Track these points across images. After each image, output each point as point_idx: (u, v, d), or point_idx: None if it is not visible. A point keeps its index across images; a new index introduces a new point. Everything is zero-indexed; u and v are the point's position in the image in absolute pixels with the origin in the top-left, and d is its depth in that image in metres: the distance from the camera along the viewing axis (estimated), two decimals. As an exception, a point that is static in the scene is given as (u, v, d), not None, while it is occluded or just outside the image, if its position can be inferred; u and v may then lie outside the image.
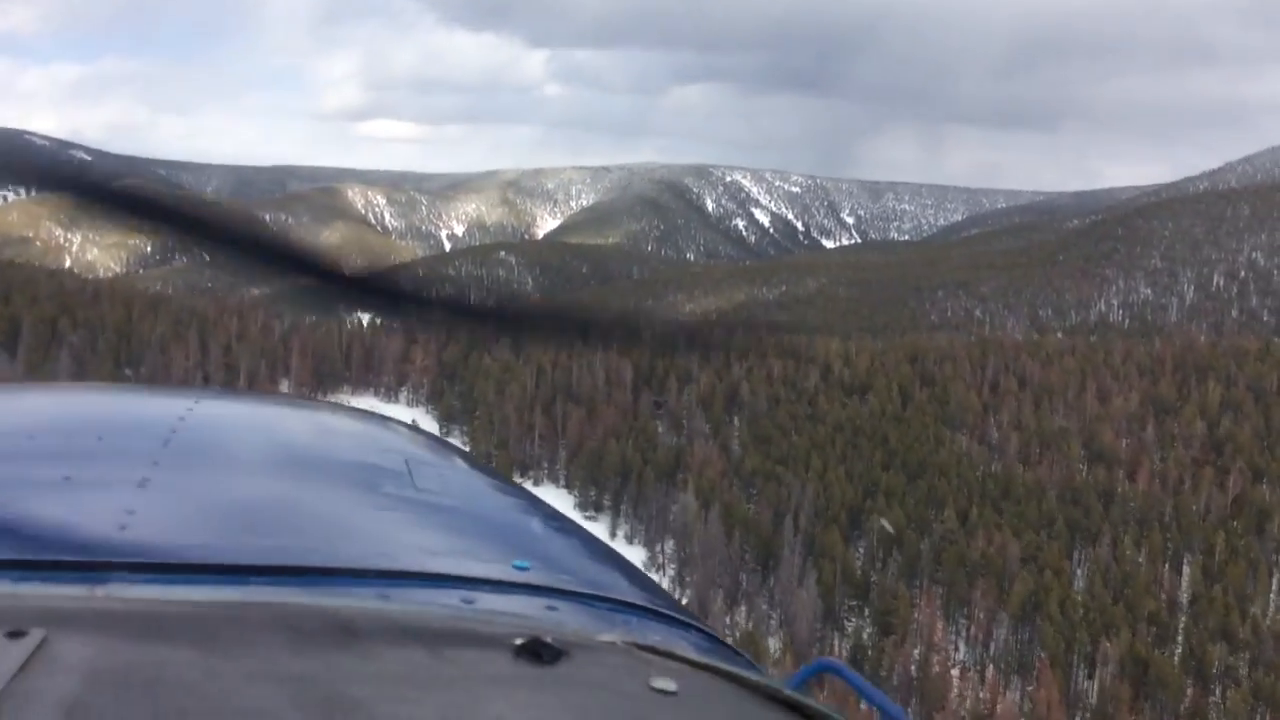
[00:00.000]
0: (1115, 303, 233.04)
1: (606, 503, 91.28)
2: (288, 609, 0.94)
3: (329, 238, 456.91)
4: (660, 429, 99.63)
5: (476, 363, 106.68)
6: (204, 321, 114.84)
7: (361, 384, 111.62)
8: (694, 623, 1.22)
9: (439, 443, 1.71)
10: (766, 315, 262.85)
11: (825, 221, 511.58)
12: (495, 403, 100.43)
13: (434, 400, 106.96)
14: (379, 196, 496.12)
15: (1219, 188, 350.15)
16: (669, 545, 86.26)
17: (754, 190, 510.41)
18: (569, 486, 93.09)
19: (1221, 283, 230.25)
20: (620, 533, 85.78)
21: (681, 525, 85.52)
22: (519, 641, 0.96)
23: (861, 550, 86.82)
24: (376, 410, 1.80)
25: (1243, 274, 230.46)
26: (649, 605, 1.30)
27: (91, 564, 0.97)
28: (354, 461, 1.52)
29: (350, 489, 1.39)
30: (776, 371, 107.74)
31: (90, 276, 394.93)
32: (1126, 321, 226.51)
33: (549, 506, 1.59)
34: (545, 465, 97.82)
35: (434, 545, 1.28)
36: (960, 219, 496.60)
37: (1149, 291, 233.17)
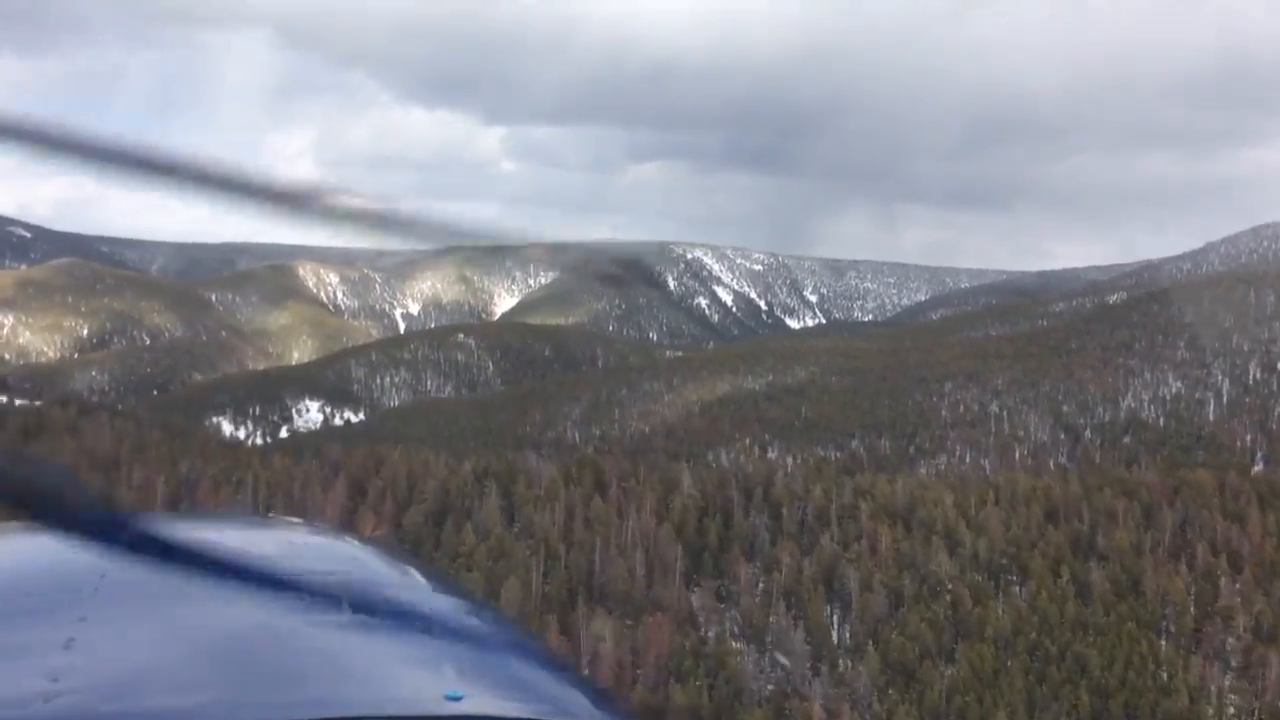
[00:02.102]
0: (1145, 398, 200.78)
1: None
2: None
3: (279, 319, 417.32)
4: (737, 646, 62.68)
5: (453, 537, 69.47)
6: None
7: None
8: None
9: (381, 555, 1.57)
10: (755, 408, 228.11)
11: (788, 300, 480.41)
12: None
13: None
14: (331, 275, 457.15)
15: (1202, 269, 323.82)
16: None
17: (715, 268, 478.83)
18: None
19: (1259, 375, 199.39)
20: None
21: None
22: None
23: None
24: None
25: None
26: None
27: None
28: (289, 590, 1.34)
29: (285, 623, 1.26)
30: (884, 543, 71.63)
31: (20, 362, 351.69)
32: (1161, 420, 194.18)
33: (495, 616, 1.50)
34: None
35: (366, 680, 1.15)
36: (924, 298, 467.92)
37: (1179, 385, 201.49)
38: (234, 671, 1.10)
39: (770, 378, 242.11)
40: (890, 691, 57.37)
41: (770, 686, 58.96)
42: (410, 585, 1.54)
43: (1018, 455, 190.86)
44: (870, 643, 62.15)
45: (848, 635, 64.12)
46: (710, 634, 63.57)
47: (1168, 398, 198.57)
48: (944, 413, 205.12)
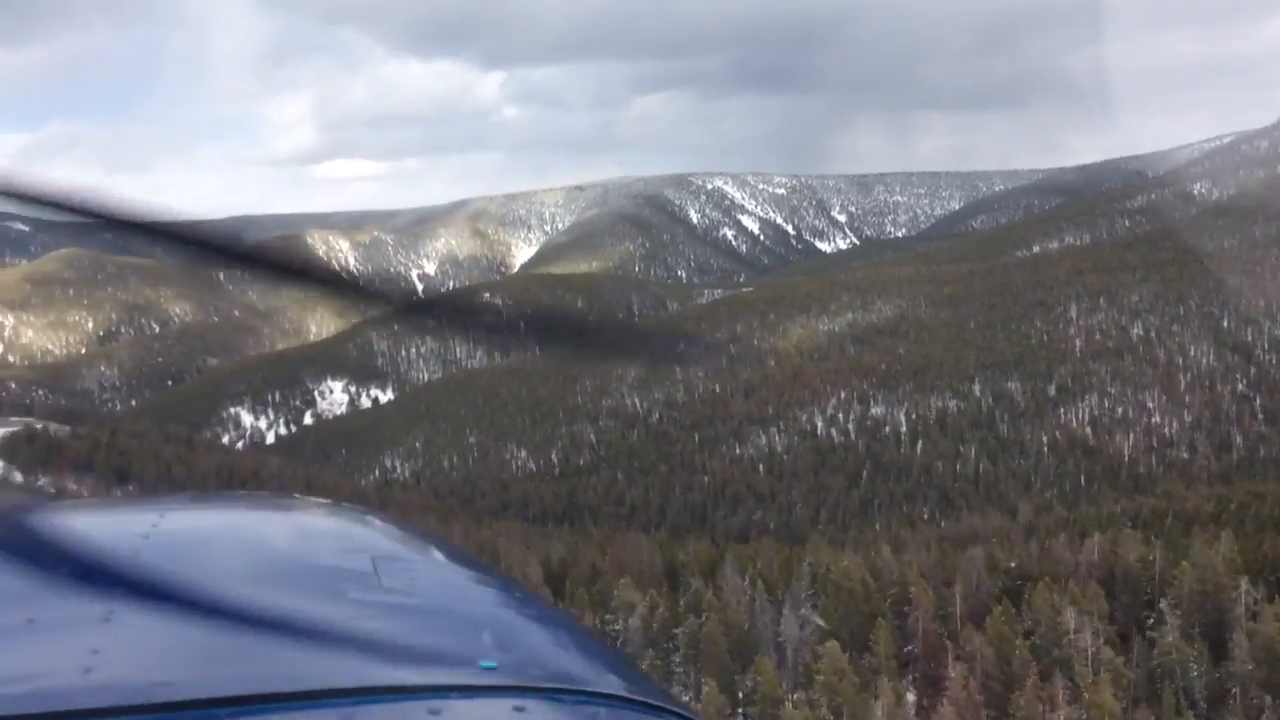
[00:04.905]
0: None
1: None
2: None
3: (293, 293, 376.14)
4: None
5: None
6: None
7: None
8: (669, 706, 1.09)
9: (409, 533, 1.53)
10: (843, 353, 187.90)
11: (816, 222, 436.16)
12: None
13: None
14: (341, 241, 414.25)
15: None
16: None
17: (738, 196, 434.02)
18: None
19: None
20: None
21: None
22: None
23: None
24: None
25: None
26: (622, 694, 1.16)
27: (54, 714, 0.86)
28: (323, 566, 1.37)
29: (318, 598, 1.26)
30: None
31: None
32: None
33: (523, 591, 1.48)
34: None
35: (401, 653, 1.14)
36: (959, 207, 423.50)
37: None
38: (267, 646, 1.08)
39: (850, 316, 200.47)
40: None
41: None
42: (439, 562, 1.52)
43: (1182, 384, 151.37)
44: None
45: None
46: None
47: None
48: (1078, 341, 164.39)
